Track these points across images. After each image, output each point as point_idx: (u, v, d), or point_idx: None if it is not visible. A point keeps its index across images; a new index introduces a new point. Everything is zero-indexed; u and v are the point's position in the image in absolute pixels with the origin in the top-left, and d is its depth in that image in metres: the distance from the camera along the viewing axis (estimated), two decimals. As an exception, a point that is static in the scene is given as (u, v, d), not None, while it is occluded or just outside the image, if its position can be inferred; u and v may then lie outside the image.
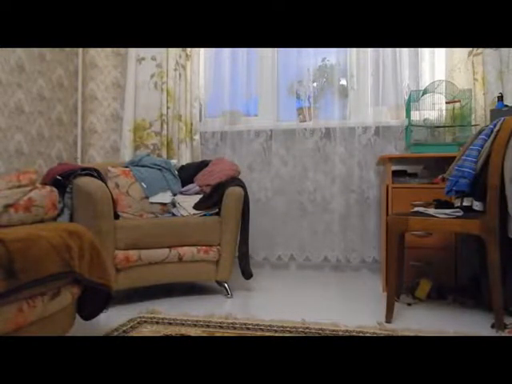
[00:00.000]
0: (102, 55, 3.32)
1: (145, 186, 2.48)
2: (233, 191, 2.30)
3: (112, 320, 1.83)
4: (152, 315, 1.90)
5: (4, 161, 2.57)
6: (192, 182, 2.65)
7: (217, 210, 2.36)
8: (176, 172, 2.72)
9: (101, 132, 3.32)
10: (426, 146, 2.51)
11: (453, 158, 2.06)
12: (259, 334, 1.67)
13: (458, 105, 2.55)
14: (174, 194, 2.57)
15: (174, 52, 3.07)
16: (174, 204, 2.49)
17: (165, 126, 3.06)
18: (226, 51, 3.11)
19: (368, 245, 2.92)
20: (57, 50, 3.03)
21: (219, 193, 2.36)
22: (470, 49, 2.68)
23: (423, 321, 1.87)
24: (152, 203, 2.47)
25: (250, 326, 1.75)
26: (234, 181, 2.41)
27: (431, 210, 1.92)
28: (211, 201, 2.40)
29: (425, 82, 2.81)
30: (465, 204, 1.91)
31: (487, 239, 1.74)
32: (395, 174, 2.44)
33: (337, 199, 2.95)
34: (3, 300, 1.05)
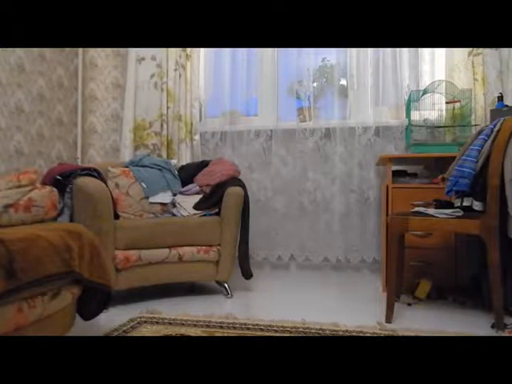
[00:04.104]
0: (102, 55, 3.32)
1: (145, 186, 2.48)
2: (233, 191, 2.30)
3: (112, 320, 1.83)
4: (152, 315, 1.90)
5: (4, 161, 2.57)
6: (192, 182, 2.65)
7: (217, 209, 2.36)
8: (176, 172, 2.72)
9: (101, 132, 3.32)
10: (426, 145, 2.51)
11: (453, 158, 2.06)
12: (259, 333, 1.67)
13: (458, 105, 2.55)
14: (174, 194, 2.57)
15: (174, 52, 3.07)
16: (174, 204, 2.49)
17: (165, 126, 3.06)
18: (226, 51, 3.11)
19: (368, 245, 2.92)
20: (57, 50, 3.03)
21: (219, 193, 2.36)
22: (470, 49, 2.68)
23: (423, 321, 1.87)
24: (152, 203, 2.46)
25: (250, 326, 1.75)
26: (234, 181, 2.41)
27: (431, 210, 1.92)
28: (211, 201, 2.40)
29: (425, 82, 2.81)
30: (465, 204, 1.91)
31: (487, 239, 1.74)
32: (395, 174, 2.44)
33: (337, 199, 2.95)
34: (3, 300, 1.05)
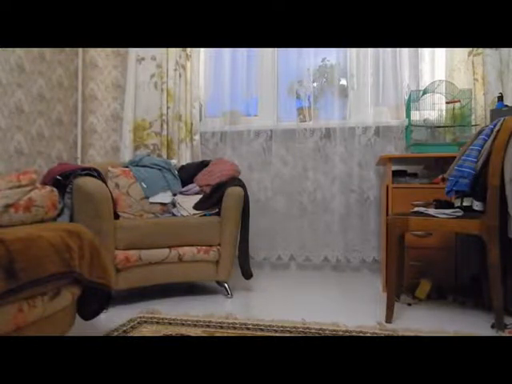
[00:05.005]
0: (102, 55, 3.32)
1: (145, 186, 2.48)
2: (233, 191, 2.30)
3: (112, 320, 1.83)
4: (152, 315, 1.90)
5: (4, 161, 2.57)
6: (192, 182, 2.65)
7: (217, 210, 2.35)
8: (176, 172, 2.72)
9: (101, 132, 3.32)
10: (426, 145, 2.51)
11: (453, 158, 2.06)
12: (259, 333, 1.67)
13: (458, 105, 2.55)
14: (174, 194, 2.57)
15: (174, 52, 3.07)
16: (174, 204, 2.49)
17: (165, 126, 3.06)
18: (226, 51, 3.11)
19: (368, 245, 2.92)
20: (57, 50, 3.03)
21: (219, 193, 2.36)
22: (470, 49, 2.68)
23: (423, 321, 1.87)
24: (152, 203, 2.47)
25: (250, 326, 1.75)
26: (234, 181, 2.41)
27: (431, 210, 1.92)
28: (211, 201, 2.40)
29: (425, 82, 2.81)
30: (465, 204, 1.91)
31: (487, 239, 1.74)
32: (395, 173, 2.44)
33: (337, 199, 2.95)
34: (3, 300, 1.05)
